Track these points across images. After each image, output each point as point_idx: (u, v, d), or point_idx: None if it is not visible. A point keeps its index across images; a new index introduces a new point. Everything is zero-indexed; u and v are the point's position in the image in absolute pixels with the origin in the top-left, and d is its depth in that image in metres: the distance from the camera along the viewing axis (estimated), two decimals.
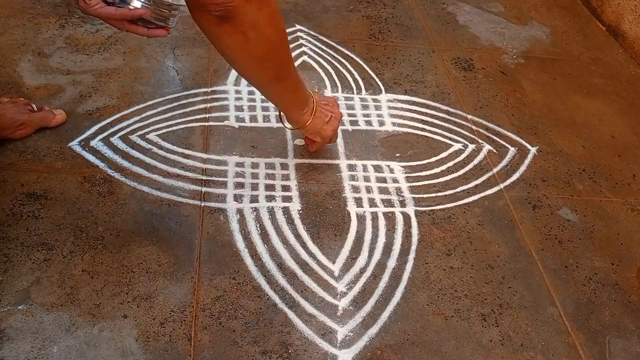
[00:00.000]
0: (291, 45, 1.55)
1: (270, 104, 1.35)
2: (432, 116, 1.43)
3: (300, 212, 1.15)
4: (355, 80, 1.49)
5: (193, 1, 0.85)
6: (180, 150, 1.22)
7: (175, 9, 0.93)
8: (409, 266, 1.09)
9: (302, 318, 0.99)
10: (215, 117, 1.31)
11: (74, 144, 1.19)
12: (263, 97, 1.28)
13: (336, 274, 1.06)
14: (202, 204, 1.13)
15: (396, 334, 0.99)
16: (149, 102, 1.31)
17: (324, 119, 1.17)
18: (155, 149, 1.21)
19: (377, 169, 1.27)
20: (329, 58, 1.54)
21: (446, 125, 1.41)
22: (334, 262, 1.08)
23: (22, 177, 1.11)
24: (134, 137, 1.22)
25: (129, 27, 0.93)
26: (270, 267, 1.05)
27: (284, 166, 1.23)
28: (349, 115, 1.38)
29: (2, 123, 1.13)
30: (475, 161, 1.33)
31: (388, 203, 1.20)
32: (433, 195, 1.23)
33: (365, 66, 1.54)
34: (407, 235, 1.15)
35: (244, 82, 1.41)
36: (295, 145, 1.27)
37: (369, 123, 1.37)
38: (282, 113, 1.17)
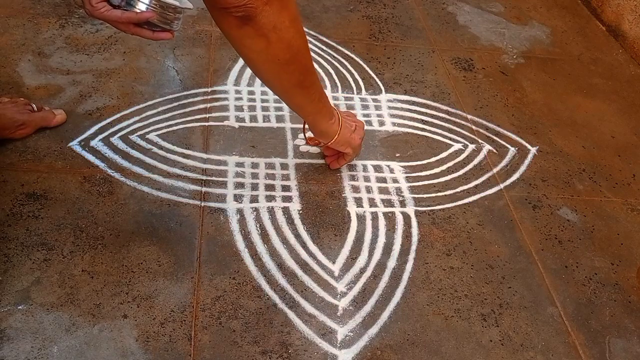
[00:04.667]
0: None
1: (269, 104, 1.35)
2: (432, 116, 1.43)
3: (300, 212, 1.15)
4: (355, 80, 1.49)
5: (214, 3, 0.85)
6: (180, 150, 1.22)
7: (180, 12, 0.93)
8: (409, 266, 1.09)
9: (302, 318, 0.99)
10: (215, 117, 1.31)
11: (74, 144, 1.19)
12: (264, 97, 1.27)
13: (336, 274, 1.06)
14: (202, 204, 1.13)
15: (396, 334, 0.99)
16: (149, 102, 1.31)
17: (350, 128, 1.16)
18: (155, 149, 1.21)
19: (377, 169, 1.27)
20: (329, 58, 1.54)
21: (446, 125, 1.41)
22: (334, 262, 1.08)
23: (22, 177, 1.11)
24: (134, 137, 1.22)
25: (134, 30, 0.93)
26: (270, 267, 1.05)
27: (284, 166, 1.23)
28: None
29: (2, 123, 1.13)
30: (475, 161, 1.33)
31: (388, 203, 1.20)
32: (433, 195, 1.23)
33: (365, 66, 1.54)
34: (407, 235, 1.15)
35: (244, 82, 1.41)
36: (295, 145, 1.27)
37: (369, 123, 1.37)
38: (307, 134, 1.18)
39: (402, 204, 1.20)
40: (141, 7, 0.90)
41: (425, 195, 1.23)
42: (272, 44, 0.90)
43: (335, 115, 1.13)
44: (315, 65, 1.50)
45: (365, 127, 1.36)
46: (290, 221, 1.13)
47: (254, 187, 1.18)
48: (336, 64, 1.53)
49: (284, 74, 0.97)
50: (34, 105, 1.19)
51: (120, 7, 0.90)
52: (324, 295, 1.02)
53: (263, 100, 1.36)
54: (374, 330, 0.99)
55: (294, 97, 1.05)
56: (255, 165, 1.22)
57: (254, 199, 1.15)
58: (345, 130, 1.14)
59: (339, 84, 1.46)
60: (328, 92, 1.44)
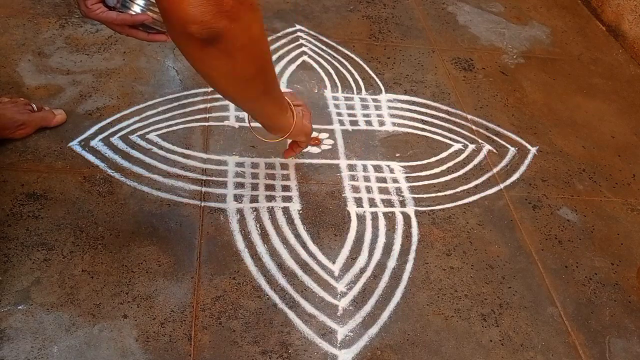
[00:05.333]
0: (291, 45, 1.56)
1: None
2: (432, 116, 1.43)
3: (300, 212, 1.15)
4: (355, 80, 1.49)
5: (173, 22, 0.72)
6: (180, 150, 1.22)
7: None
8: (409, 266, 1.09)
9: (302, 318, 0.99)
10: (215, 117, 1.31)
11: (74, 144, 1.19)
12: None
13: (336, 274, 1.06)
14: (202, 204, 1.13)
15: (396, 334, 0.99)
16: (149, 102, 1.31)
17: (300, 115, 1.09)
18: (155, 149, 1.21)
19: (377, 169, 1.27)
20: (329, 58, 1.54)
21: (446, 125, 1.41)
22: (334, 262, 1.08)
23: (22, 177, 1.11)
24: (134, 137, 1.22)
25: (129, 31, 0.93)
26: (270, 267, 1.05)
27: (284, 166, 1.23)
28: (349, 115, 1.38)
29: (2, 123, 1.13)
30: (475, 161, 1.33)
31: (388, 203, 1.20)
32: (433, 195, 1.23)
33: (365, 66, 1.54)
34: (407, 235, 1.15)
35: None
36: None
37: (369, 123, 1.37)
38: (253, 125, 1.09)
39: (402, 204, 1.20)
40: (136, 9, 0.90)
41: (425, 195, 1.23)
42: (239, 63, 0.80)
43: (289, 106, 1.05)
44: (315, 66, 1.50)
45: (365, 127, 1.37)
46: (290, 221, 1.13)
47: (254, 187, 1.18)
48: (336, 64, 1.53)
49: (250, 88, 0.88)
50: (34, 105, 1.19)
51: (115, 9, 0.91)
52: (324, 295, 1.02)
53: None
54: (374, 330, 0.99)
55: (257, 104, 0.97)
56: (255, 165, 1.22)
57: (254, 199, 1.15)
58: (298, 119, 1.07)
59: (339, 84, 1.46)
60: (328, 92, 1.44)
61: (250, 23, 0.76)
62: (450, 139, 1.37)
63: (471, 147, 1.36)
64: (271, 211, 1.14)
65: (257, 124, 1.07)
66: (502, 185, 1.28)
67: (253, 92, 0.91)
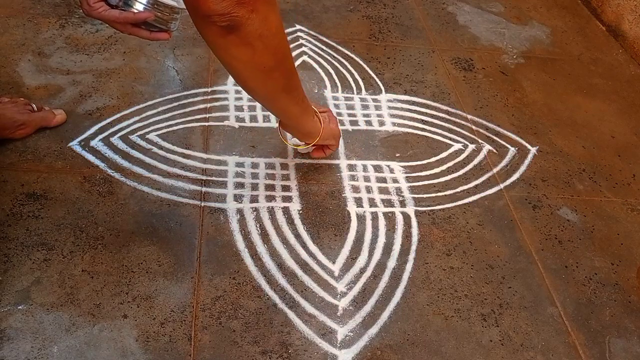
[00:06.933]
0: (291, 45, 1.55)
1: None
2: (432, 116, 1.43)
3: (300, 212, 1.15)
4: (355, 80, 1.49)
5: (197, 12, 0.81)
6: (180, 150, 1.22)
7: (177, 12, 0.93)
8: (409, 266, 1.09)
9: (302, 318, 0.99)
10: (215, 117, 1.31)
11: (74, 144, 1.19)
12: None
13: (336, 274, 1.06)
14: (202, 204, 1.13)
15: (396, 334, 0.99)
16: (149, 102, 1.31)
17: (327, 120, 1.15)
18: (155, 149, 1.21)
19: (377, 169, 1.27)
20: (329, 58, 1.54)
21: (446, 125, 1.41)
22: (334, 262, 1.08)
23: (22, 177, 1.11)
24: (134, 137, 1.22)
25: (131, 30, 0.93)
26: (270, 267, 1.05)
27: (284, 166, 1.23)
28: (349, 115, 1.38)
29: (2, 123, 1.13)
30: (475, 161, 1.33)
31: (388, 203, 1.20)
32: (433, 195, 1.23)
33: (365, 66, 1.54)
34: (407, 235, 1.15)
35: None
36: (295, 144, 1.27)
37: (369, 123, 1.37)
38: (283, 132, 1.16)
39: (402, 204, 1.20)
40: (139, 7, 0.90)
41: (425, 195, 1.23)
42: (258, 52, 0.87)
43: (314, 113, 1.11)
44: (315, 66, 1.50)
45: (365, 127, 1.37)
46: (290, 221, 1.13)
47: (254, 187, 1.18)
48: (336, 64, 1.53)
49: (270, 81, 0.94)
50: (34, 105, 1.19)
51: (117, 7, 0.90)
52: (324, 295, 1.02)
53: None
54: (374, 330, 0.99)
55: (279, 102, 1.01)
56: (255, 165, 1.22)
57: (254, 199, 1.15)
58: (325, 124, 1.13)
59: (339, 84, 1.46)
60: (328, 92, 1.44)
61: (267, 14, 0.83)
62: (450, 139, 1.37)
63: (471, 147, 1.36)
64: (271, 211, 1.14)
65: (289, 134, 1.18)
66: (502, 185, 1.28)
67: (273, 86, 0.96)
